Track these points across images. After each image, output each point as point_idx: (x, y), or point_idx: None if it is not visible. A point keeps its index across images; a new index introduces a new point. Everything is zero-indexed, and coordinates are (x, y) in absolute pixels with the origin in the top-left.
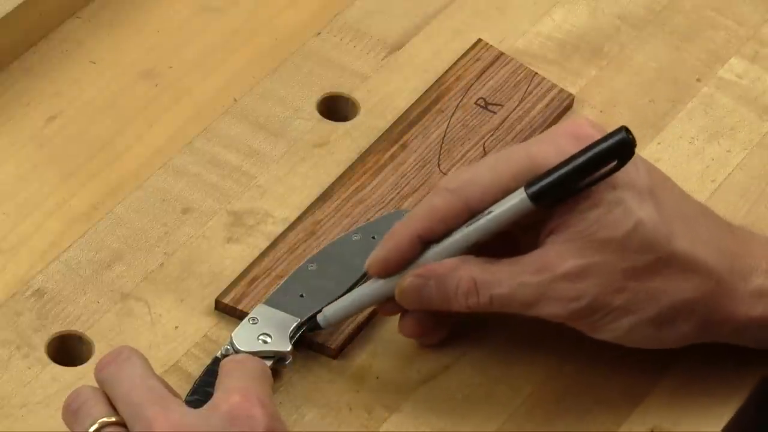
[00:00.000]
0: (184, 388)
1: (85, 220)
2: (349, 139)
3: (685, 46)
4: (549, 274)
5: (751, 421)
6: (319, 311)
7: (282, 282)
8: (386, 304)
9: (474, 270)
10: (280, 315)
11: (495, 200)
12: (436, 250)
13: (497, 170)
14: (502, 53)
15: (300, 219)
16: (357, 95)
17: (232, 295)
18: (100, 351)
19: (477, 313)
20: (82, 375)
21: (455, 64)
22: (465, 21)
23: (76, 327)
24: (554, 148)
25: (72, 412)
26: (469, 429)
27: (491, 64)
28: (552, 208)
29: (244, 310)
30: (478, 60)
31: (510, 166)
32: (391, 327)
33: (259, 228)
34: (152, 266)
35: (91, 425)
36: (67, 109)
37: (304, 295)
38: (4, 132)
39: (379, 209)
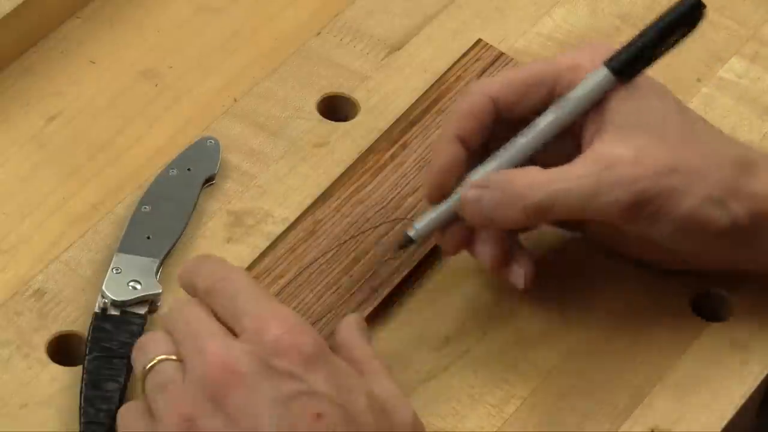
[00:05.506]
0: None
1: (85, 220)
2: (349, 139)
3: (685, 46)
4: (604, 162)
5: (751, 421)
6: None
7: (125, 228)
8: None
9: (531, 172)
10: (139, 260)
11: (517, 91)
12: (520, 140)
13: (515, 69)
14: (502, 53)
15: (300, 219)
16: (357, 95)
17: None
18: None
19: (532, 225)
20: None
21: (455, 64)
22: (465, 21)
23: (76, 327)
24: (579, 55)
25: (139, 349)
26: (469, 429)
27: (491, 64)
28: (630, 80)
29: None
30: (478, 60)
31: (531, 67)
32: (391, 327)
33: (259, 228)
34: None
35: (152, 361)
36: (67, 109)
37: (150, 236)
38: (4, 132)
39: (379, 209)
